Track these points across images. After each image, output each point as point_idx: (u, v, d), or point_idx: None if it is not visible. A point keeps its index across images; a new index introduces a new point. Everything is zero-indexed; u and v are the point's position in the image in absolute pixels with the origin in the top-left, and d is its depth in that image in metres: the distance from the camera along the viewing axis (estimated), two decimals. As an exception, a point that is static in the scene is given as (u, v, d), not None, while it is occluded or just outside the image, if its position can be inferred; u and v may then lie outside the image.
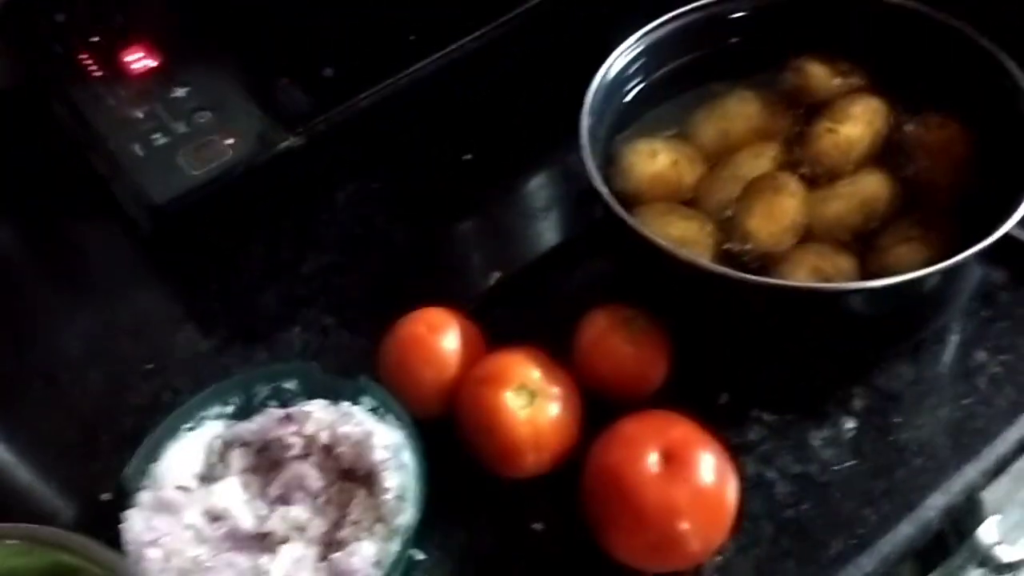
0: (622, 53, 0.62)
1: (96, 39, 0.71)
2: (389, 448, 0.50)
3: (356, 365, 0.57)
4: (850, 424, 0.55)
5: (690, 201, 0.59)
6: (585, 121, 0.58)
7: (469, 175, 0.71)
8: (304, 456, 0.52)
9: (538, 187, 0.71)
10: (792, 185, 0.57)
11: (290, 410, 0.53)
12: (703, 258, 0.54)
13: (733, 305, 0.53)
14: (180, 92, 0.68)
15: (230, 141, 0.65)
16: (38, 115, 0.74)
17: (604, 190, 0.54)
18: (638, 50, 0.62)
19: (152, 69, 0.69)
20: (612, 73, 0.61)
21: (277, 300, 0.65)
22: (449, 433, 0.54)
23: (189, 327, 0.65)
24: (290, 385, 0.54)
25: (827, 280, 0.53)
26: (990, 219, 0.52)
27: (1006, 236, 0.51)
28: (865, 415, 0.55)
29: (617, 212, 0.54)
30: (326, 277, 0.66)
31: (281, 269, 0.67)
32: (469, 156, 0.72)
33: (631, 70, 0.63)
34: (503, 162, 0.71)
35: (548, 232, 0.68)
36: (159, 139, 0.65)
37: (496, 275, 0.65)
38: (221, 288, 0.67)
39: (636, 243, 0.53)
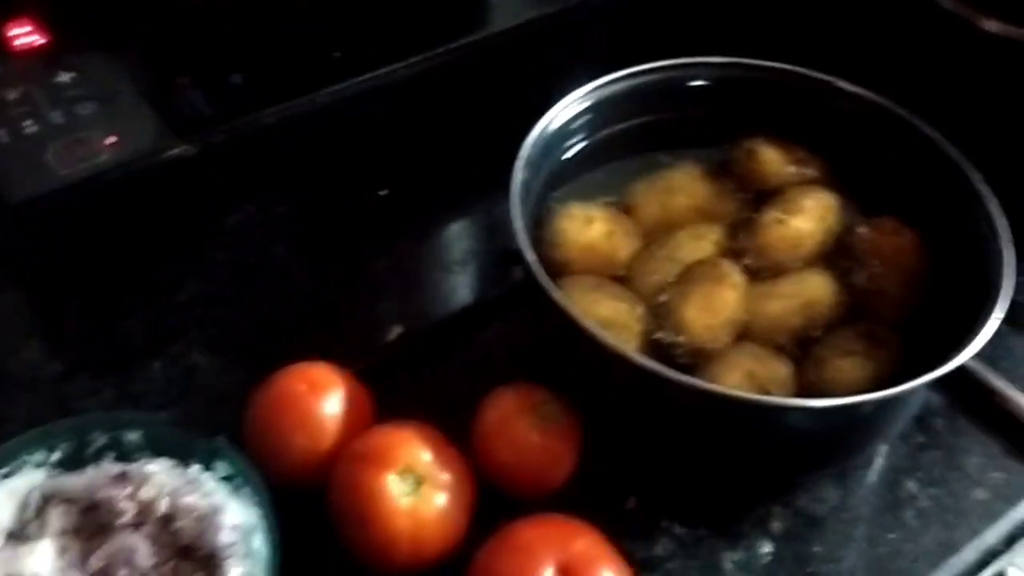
0: (567, 105, 0.56)
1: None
2: (238, 529, 0.43)
3: (222, 417, 0.49)
4: (766, 548, 0.50)
5: (622, 278, 0.54)
6: (518, 175, 0.52)
7: (384, 213, 0.65)
8: (137, 525, 0.43)
9: (458, 236, 0.65)
10: (735, 276, 0.52)
11: (127, 467, 0.44)
12: (629, 347, 0.48)
13: (656, 403, 0.47)
14: (64, 77, 0.59)
15: (111, 140, 0.56)
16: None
17: (530, 255, 0.48)
18: (585, 104, 0.57)
19: (37, 47, 0.60)
20: (554, 125, 0.55)
21: (143, 327, 0.57)
22: (319, 509, 0.46)
23: (33, 344, 0.56)
24: (133, 437, 0.46)
25: (761, 387, 0.48)
26: (939, 341, 0.48)
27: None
28: (783, 539, 0.50)
29: (541, 282, 0.47)
30: (205, 308, 0.58)
31: (153, 292, 0.59)
32: (386, 192, 0.65)
33: (575, 125, 0.57)
34: (423, 204, 0.65)
35: (462, 288, 0.62)
36: (30, 126, 0.56)
37: (398, 330, 0.58)
38: (79, 305, 0.58)
39: (557, 319, 0.47)
